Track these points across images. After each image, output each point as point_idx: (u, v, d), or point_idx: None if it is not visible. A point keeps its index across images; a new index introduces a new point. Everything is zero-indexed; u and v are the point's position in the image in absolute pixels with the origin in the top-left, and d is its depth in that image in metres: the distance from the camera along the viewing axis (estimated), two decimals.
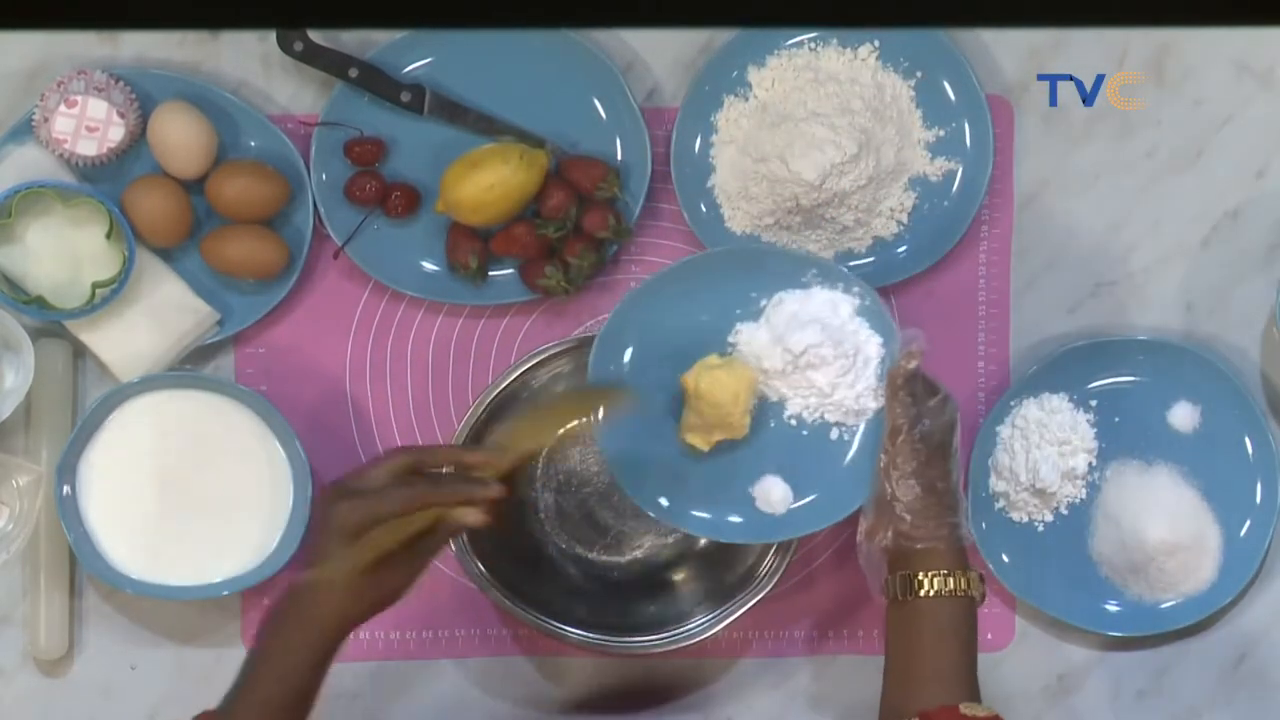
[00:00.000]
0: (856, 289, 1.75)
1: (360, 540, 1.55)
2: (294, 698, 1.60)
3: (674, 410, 1.75)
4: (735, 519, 1.77)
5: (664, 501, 1.76)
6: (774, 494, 1.76)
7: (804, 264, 1.75)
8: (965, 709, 1.63)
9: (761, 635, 1.91)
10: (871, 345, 1.74)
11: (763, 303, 1.75)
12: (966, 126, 1.87)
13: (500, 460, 1.62)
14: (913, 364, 1.71)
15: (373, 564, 1.56)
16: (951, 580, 1.68)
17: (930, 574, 1.68)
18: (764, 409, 1.76)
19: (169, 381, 1.84)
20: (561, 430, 1.74)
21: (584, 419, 1.74)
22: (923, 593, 1.68)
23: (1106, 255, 1.91)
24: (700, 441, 1.74)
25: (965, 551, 1.70)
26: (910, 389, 1.71)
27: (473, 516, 1.58)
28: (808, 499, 1.77)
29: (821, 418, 1.76)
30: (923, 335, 1.74)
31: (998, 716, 1.64)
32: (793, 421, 1.76)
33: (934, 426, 1.70)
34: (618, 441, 1.75)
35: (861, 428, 1.75)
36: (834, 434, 1.77)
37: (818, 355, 1.73)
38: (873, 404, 1.74)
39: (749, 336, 1.75)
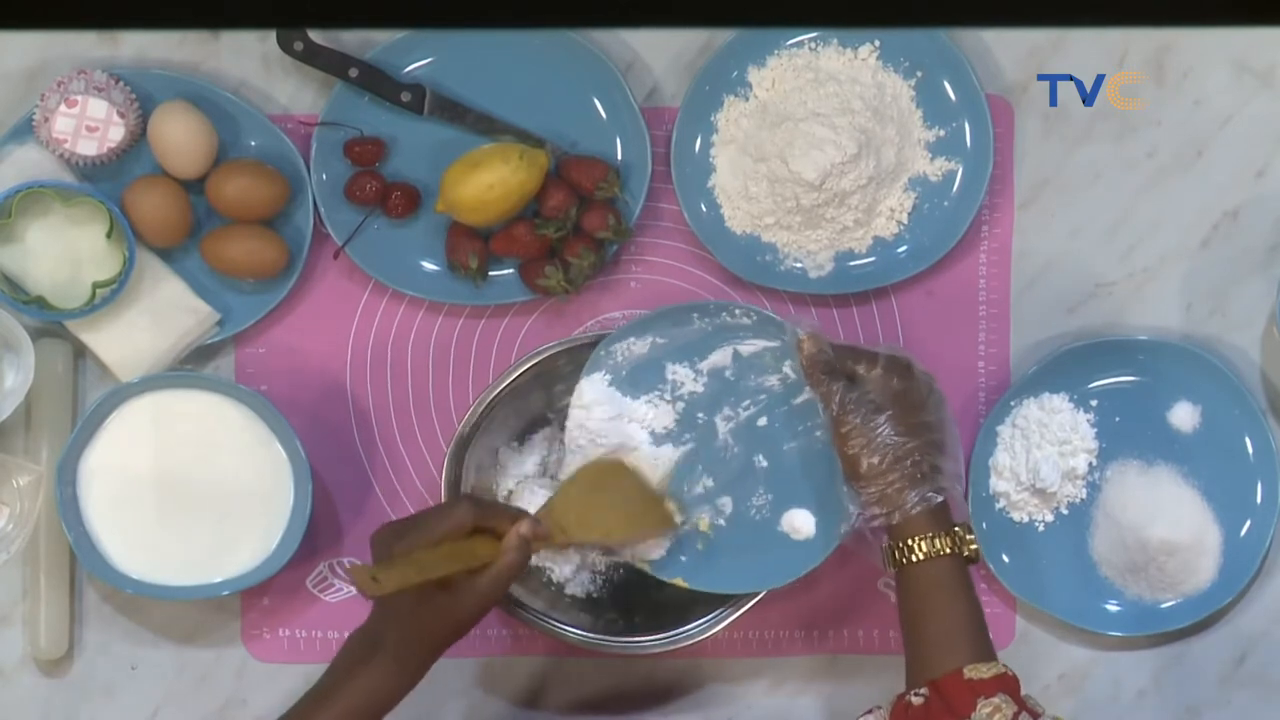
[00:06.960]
0: (739, 310, 1.79)
1: (410, 558, 1.62)
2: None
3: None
4: (778, 561, 1.80)
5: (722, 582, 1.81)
6: (797, 521, 1.80)
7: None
8: (969, 672, 1.63)
9: (761, 635, 1.91)
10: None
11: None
12: (966, 126, 1.87)
13: (553, 541, 1.71)
14: (805, 348, 1.73)
15: (429, 586, 1.63)
16: (938, 542, 1.68)
17: (912, 540, 1.68)
18: (752, 439, 1.80)
19: (169, 381, 1.84)
20: (615, 540, 1.79)
21: (635, 537, 1.79)
22: (910, 559, 1.68)
23: (1106, 255, 1.91)
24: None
25: (945, 509, 1.70)
26: (821, 368, 1.72)
27: (526, 526, 1.67)
28: (831, 509, 1.79)
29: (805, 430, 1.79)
30: (805, 320, 1.79)
31: (1005, 673, 1.64)
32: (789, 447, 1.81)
33: (862, 392, 1.71)
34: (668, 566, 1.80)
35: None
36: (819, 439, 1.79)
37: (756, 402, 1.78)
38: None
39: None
